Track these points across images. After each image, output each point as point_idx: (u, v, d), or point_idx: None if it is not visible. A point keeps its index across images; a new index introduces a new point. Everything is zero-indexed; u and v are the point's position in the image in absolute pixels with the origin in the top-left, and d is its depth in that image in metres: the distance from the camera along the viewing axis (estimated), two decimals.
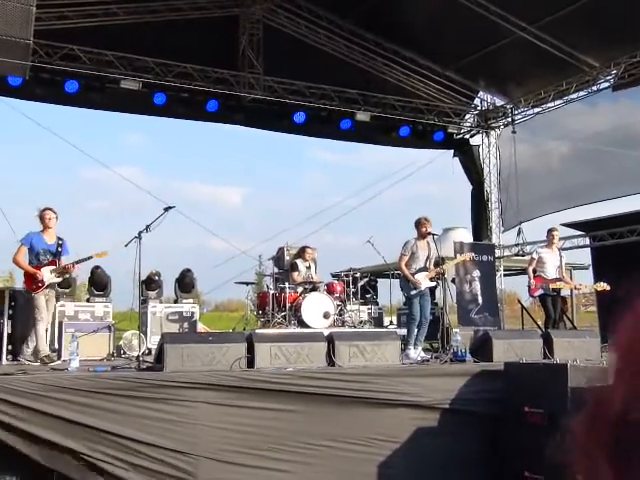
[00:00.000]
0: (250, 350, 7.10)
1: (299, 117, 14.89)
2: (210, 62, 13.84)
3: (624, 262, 13.21)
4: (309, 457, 6.74)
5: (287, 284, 11.55)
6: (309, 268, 12.11)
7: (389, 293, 14.03)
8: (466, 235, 18.49)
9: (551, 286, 10.85)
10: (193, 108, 14.42)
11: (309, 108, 14.89)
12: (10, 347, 8.73)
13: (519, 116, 15.98)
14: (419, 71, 15.62)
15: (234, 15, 14.34)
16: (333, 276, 14.32)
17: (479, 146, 17.00)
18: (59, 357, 9.64)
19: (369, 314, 13.65)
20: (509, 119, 16.17)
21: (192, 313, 12.47)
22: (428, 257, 9.52)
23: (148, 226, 8.00)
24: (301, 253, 12.26)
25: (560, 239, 14.70)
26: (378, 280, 15.13)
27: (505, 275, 16.95)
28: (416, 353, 9.18)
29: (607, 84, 13.94)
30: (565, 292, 11.46)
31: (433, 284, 9.91)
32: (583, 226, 14.76)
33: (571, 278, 18.80)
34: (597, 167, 14.43)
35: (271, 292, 11.66)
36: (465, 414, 7.33)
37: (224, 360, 6.90)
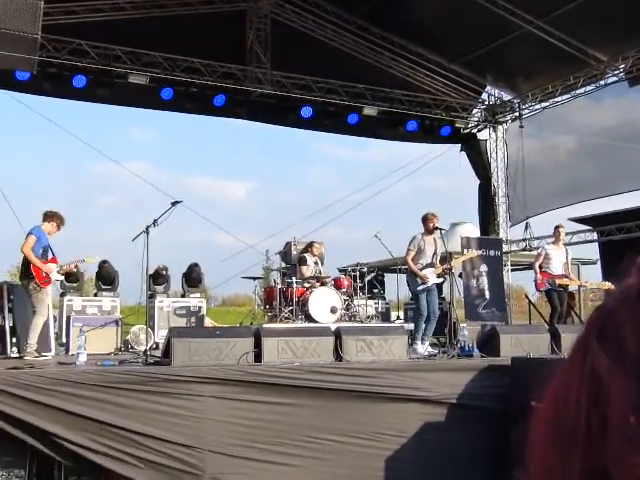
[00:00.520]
0: (257, 345, 7.11)
1: (306, 112, 14.87)
2: (218, 57, 13.83)
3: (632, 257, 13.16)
4: (316, 452, 6.75)
5: (294, 279, 11.56)
6: (317, 264, 12.12)
7: (396, 288, 14.04)
8: (473, 230, 18.45)
9: (557, 282, 10.87)
10: (200, 103, 14.42)
11: (316, 103, 14.86)
12: (14, 340, 8.74)
13: (526, 111, 15.94)
14: (426, 65, 15.58)
15: (242, 10, 14.31)
16: (340, 271, 14.34)
17: (486, 141, 16.95)
18: (67, 351, 9.67)
19: (376, 309, 13.65)
20: (516, 114, 16.12)
21: (199, 307, 12.49)
22: (435, 252, 9.51)
23: (155, 220, 8.02)
24: (309, 248, 12.27)
25: (568, 234, 14.69)
26: (385, 275, 15.13)
27: (512, 270, 16.91)
28: (423, 348, 9.18)
29: (615, 78, 13.88)
30: (573, 287, 11.45)
31: (440, 280, 9.90)
32: (591, 221, 14.72)
33: (579, 273, 18.81)
34: (605, 162, 14.37)
35: (278, 287, 11.67)
36: (472, 409, 7.33)
37: (231, 354, 6.91)
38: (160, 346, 9.68)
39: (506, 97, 16.49)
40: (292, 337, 7.35)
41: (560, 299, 10.89)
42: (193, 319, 12.33)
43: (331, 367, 7.08)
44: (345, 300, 11.64)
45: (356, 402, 6.95)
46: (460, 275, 13.61)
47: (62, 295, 11.76)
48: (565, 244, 11.70)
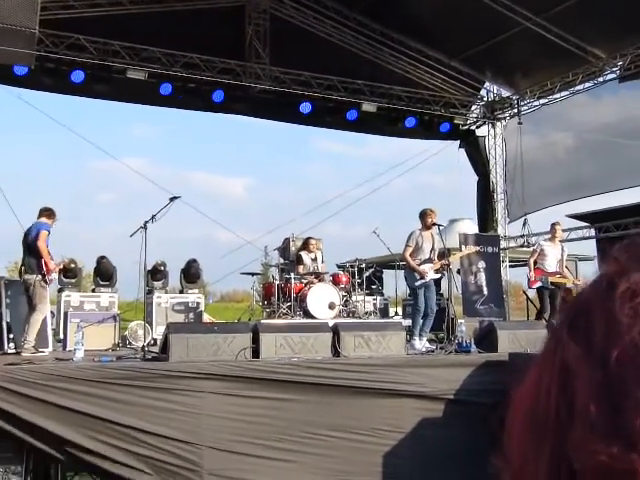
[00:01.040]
0: (255, 340, 7.12)
1: (305, 107, 14.86)
2: (216, 52, 13.81)
3: None
4: (314, 447, 6.76)
5: (292, 275, 11.56)
6: (315, 260, 12.11)
7: (394, 284, 14.05)
8: (472, 226, 18.45)
9: (550, 279, 10.93)
10: (199, 98, 14.41)
11: (315, 98, 14.85)
12: (12, 336, 8.71)
13: (525, 107, 15.93)
14: (425, 62, 15.57)
15: (240, 5, 14.28)
16: (339, 267, 14.34)
17: (485, 137, 16.95)
18: (64, 347, 9.67)
19: (374, 305, 13.66)
20: (515, 110, 16.10)
21: (197, 303, 12.49)
22: (433, 248, 9.51)
23: (154, 216, 8.01)
24: (305, 245, 12.27)
25: (565, 230, 14.73)
26: (384, 271, 15.13)
27: (511, 266, 16.93)
28: (421, 344, 9.18)
29: (613, 75, 13.88)
30: (570, 284, 11.48)
31: (438, 276, 9.90)
32: (588, 217, 14.73)
33: (576, 269, 18.82)
34: (603, 159, 14.37)
35: (276, 283, 11.68)
36: (469, 404, 7.34)
37: (229, 350, 6.92)
38: (158, 342, 9.68)
39: (505, 94, 16.47)
40: (290, 333, 7.35)
41: (552, 297, 10.94)
42: (191, 315, 12.33)
43: (329, 363, 7.08)
44: (343, 296, 11.65)
45: (354, 398, 6.96)
46: (458, 271, 13.62)
47: (60, 291, 11.76)
48: (562, 241, 11.75)
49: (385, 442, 7.04)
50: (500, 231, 16.51)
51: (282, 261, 13.01)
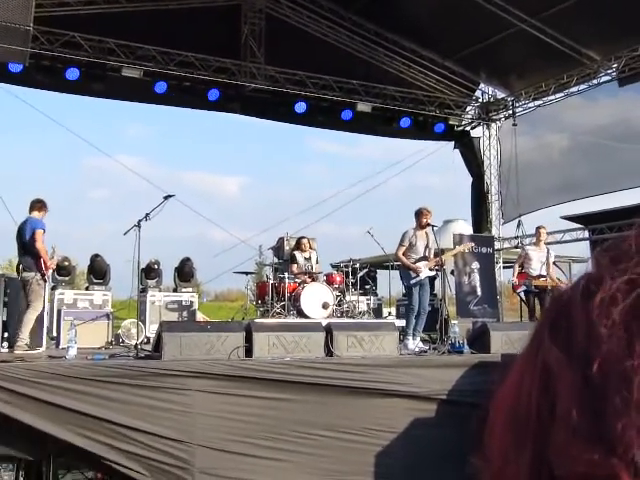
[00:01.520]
0: (248, 339, 7.12)
1: (300, 107, 14.87)
2: (212, 51, 13.80)
3: None
4: (306, 447, 6.76)
5: (286, 274, 11.55)
6: (308, 259, 12.11)
7: (388, 284, 14.06)
8: (466, 227, 18.49)
9: (534, 283, 11.08)
10: (194, 97, 14.41)
11: (310, 98, 14.86)
12: (6, 334, 8.68)
13: (520, 109, 15.96)
14: (420, 62, 15.59)
15: (236, 4, 14.28)
16: (333, 267, 14.33)
17: (480, 138, 16.98)
18: (57, 345, 9.64)
19: (368, 305, 13.66)
20: (510, 111, 16.14)
21: (191, 302, 12.48)
22: (427, 246, 9.52)
23: (147, 214, 8.00)
24: (298, 244, 12.26)
25: (559, 232, 14.81)
26: (377, 271, 15.14)
27: (505, 267, 16.95)
28: (414, 344, 9.18)
29: (608, 77, 13.92)
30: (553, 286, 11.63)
31: (432, 274, 9.91)
32: (582, 219, 14.77)
33: (570, 271, 18.87)
34: (597, 160, 14.42)
35: (270, 282, 11.67)
36: (462, 405, 7.34)
37: (222, 349, 6.91)
38: (151, 340, 9.67)
39: (500, 95, 16.51)
40: (283, 332, 7.35)
41: (540, 299, 11.07)
42: (185, 314, 12.32)
43: (322, 363, 7.09)
44: (337, 296, 11.65)
45: (346, 397, 6.96)
46: (452, 272, 13.64)
47: (53, 289, 11.72)
48: (555, 242, 11.88)
49: (378, 442, 7.04)
50: (494, 232, 16.55)
51: (276, 260, 13.00)
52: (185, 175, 68.44)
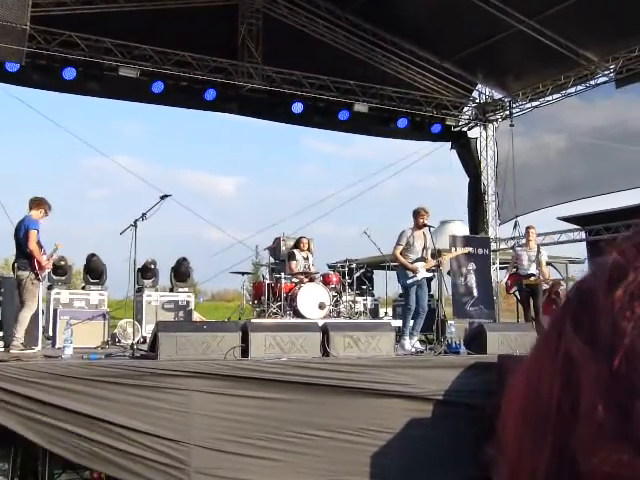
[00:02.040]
0: (245, 339, 7.11)
1: (297, 107, 14.86)
2: (209, 51, 13.78)
3: None
4: (302, 446, 6.76)
5: (283, 274, 11.55)
6: (307, 259, 12.11)
7: (385, 284, 14.05)
8: (462, 228, 18.49)
9: (524, 282, 11.25)
10: (191, 97, 14.39)
11: (307, 98, 14.86)
12: (0, 334, 8.66)
13: (517, 109, 15.97)
14: (418, 63, 15.59)
15: (233, 4, 14.26)
16: (329, 267, 14.33)
17: (477, 139, 16.99)
18: (53, 345, 9.63)
19: (364, 305, 13.65)
20: (507, 112, 16.14)
21: (187, 302, 12.47)
22: (425, 247, 9.52)
23: (144, 214, 7.99)
24: (298, 244, 12.26)
25: (556, 233, 14.83)
26: (374, 271, 15.13)
27: (501, 268, 16.95)
28: (410, 344, 9.18)
29: (605, 79, 13.94)
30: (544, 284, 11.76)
31: (430, 275, 9.91)
32: (579, 220, 14.78)
33: (567, 272, 18.90)
34: (594, 161, 14.43)
35: (267, 282, 11.66)
36: (458, 406, 7.35)
37: (218, 349, 6.91)
38: (147, 340, 9.66)
39: (497, 95, 16.52)
40: (279, 332, 7.34)
41: (533, 296, 11.27)
42: (181, 313, 12.31)
43: (318, 362, 7.08)
44: (334, 296, 11.64)
45: (342, 398, 6.96)
46: (449, 272, 13.65)
47: (49, 288, 11.70)
48: (544, 244, 12.03)
49: (374, 442, 7.04)
50: (491, 233, 16.56)
51: (272, 261, 12.99)
52: (181, 175, 68.35)
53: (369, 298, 14.11)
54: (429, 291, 11.61)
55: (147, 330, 11.32)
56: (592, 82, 14.11)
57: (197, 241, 51.79)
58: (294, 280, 11.62)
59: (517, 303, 13.53)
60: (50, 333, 10.23)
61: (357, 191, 18.11)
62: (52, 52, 12.55)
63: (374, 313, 13.79)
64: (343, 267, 12.44)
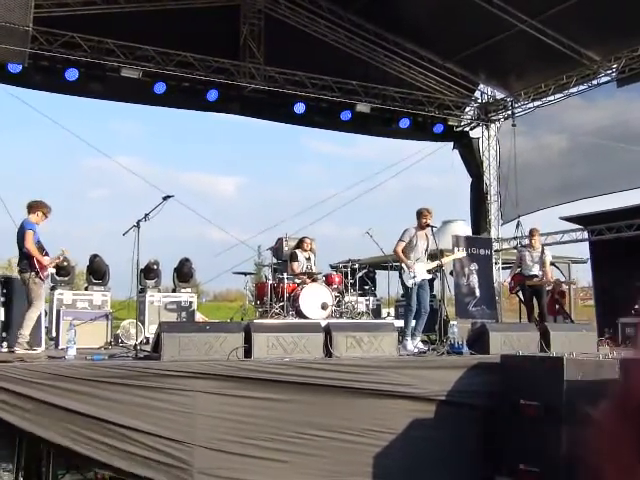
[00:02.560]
0: (247, 340, 7.10)
1: (299, 107, 14.88)
2: (211, 52, 13.80)
3: (622, 256, 13.25)
4: (305, 447, 6.76)
5: (285, 274, 11.55)
6: (309, 259, 12.11)
7: (387, 285, 14.05)
8: (465, 228, 18.49)
9: (527, 283, 11.32)
10: (193, 97, 14.42)
11: (309, 99, 14.87)
12: (5, 334, 8.67)
13: (519, 109, 15.97)
14: (420, 63, 15.60)
15: (235, 5, 14.29)
16: (332, 267, 14.33)
17: (479, 139, 17.00)
18: (56, 345, 9.64)
19: (367, 305, 13.66)
20: (509, 112, 16.16)
21: (190, 303, 12.48)
22: (427, 249, 9.51)
23: (147, 215, 7.99)
24: (300, 244, 12.26)
25: (558, 233, 14.83)
26: (376, 272, 15.14)
27: (504, 268, 16.96)
28: (413, 344, 9.18)
29: (608, 78, 13.93)
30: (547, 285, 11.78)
31: (430, 276, 9.89)
32: (581, 220, 14.78)
33: (569, 271, 18.88)
34: (596, 161, 14.43)
35: (269, 282, 11.67)
36: (461, 406, 7.35)
37: (221, 350, 6.90)
38: (150, 341, 9.66)
39: (499, 95, 16.53)
40: (282, 333, 7.34)
41: (537, 296, 11.29)
42: (184, 314, 12.32)
43: (321, 363, 7.08)
44: (336, 296, 11.65)
45: (345, 398, 6.96)
46: (451, 273, 13.65)
47: (52, 289, 11.72)
48: (546, 244, 12.06)
49: (376, 443, 7.04)
50: (493, 233, 16.56)
51: (275, 261, 13.00)
52: (182, 175, 68.22)
53: (371, 298, 14.13)
54: (432, 291, 11.60)
55: (150, 331, 11.33)
56: (594, 82, 14.11)
57: (199, 242, 51.81)
58: (296, 280, 11.63)
59: (520, 303, 13.54)
60: (53, 334, 10.23)
61: (359, 191, 18.09)
62: (54, 53, 12.57)
63: (376, 313, 13.79)
64: (345, 267, 12.45)
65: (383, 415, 7.08)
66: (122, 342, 10.68)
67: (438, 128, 16.44)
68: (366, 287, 14.14)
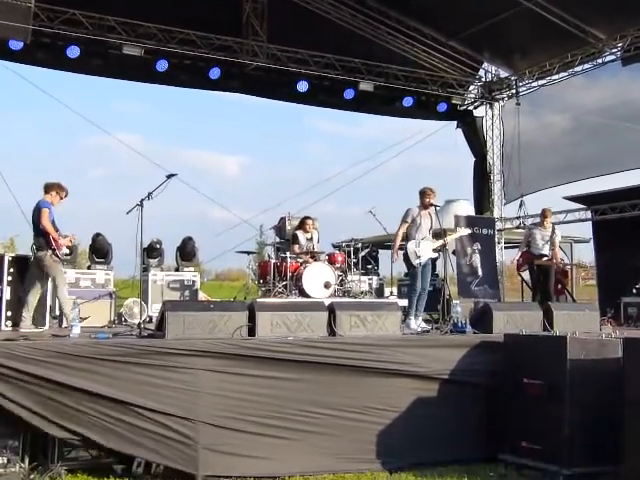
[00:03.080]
0: (251, 319, 7.11)
1: (302, 86, 14.81)
2: (213, 29, 13.71)
3: (625, 236, 13.24)
4: (308, 425, 6.79)
5: (288, 253, 11.55)
6: (310, 239, 12.10)
7: (390, 264, 14.05)
8: (468, 207, 18.46)
9: (535, 262, 11.37)
10: (195, 75, 14.36)
11: (312, 77, 14.80)
12: (10, 313, 8.71)
13: (523, 88, 15.90)
14: (423, 41, 15.50)
15: None
16: (334, 246, 14.34)
17: (483, 118, 16.94)
18: (60, 324, 9.67)
19: (370, 285, 13.68)
20: (513, 91, 16.08)
21: (193, 282, 12.51)
22: (431, 227, 9.52)
23: (150, 194, 7.96)
24: (301, 225, 12.24)
25: (562, 212, 14.80)
26: (379, 251, 15.15)
27: (506, 248, 16.97)
28: (416, 324, 9.21)
29: (613, 57, 13.83)
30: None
31: (435, 255, 9.90)
32: (585, 199, 14.75)
33: (572, 251, 18.87)
34: (600, 141, 14.38)
35: (272, 261, 11.67)
36: (464, 385, 7.36)
37: (225, 328, 6.92)
38: (153, 319, 9.69)
39: (503, 74, 16.44)
40: (286, 312, 7.34)
41: (544, 276, 11.34)
42: (187, 293, 12.35)
43: (324, 342, 7.09)
44: (339, 276, 11.66)
45: (349, 376, 6.98)
46: (454, 252, 13.65)
47: None
48: (557, 223, 12.01)
49: (379, 421, 7.06)
50: (496, 212, 16.55)
51: (278, 240, 12.99)
52: (184, 153, 67.90)
53: (374, 277, 14.14)
54: (434, 270, 11.60)
55: (153, 309, 11.36)
56: (599, 60, 14.02)
57: (200, 221, 51.69)
58: (299, 259, 11.63)
59: (522, 283, 13.55)
60: (57, 312, 10.25)
61: (362, 170, 18.03)
62: (56, 30, 12.49)
63: (379, 292, 13.81)
64: (348, 246, 12.44)
65: (387, 393, 7.10)
66: (125, 321, 10.72)
67: (442, 107, 16.38)
68: (369, 266, 14.15)
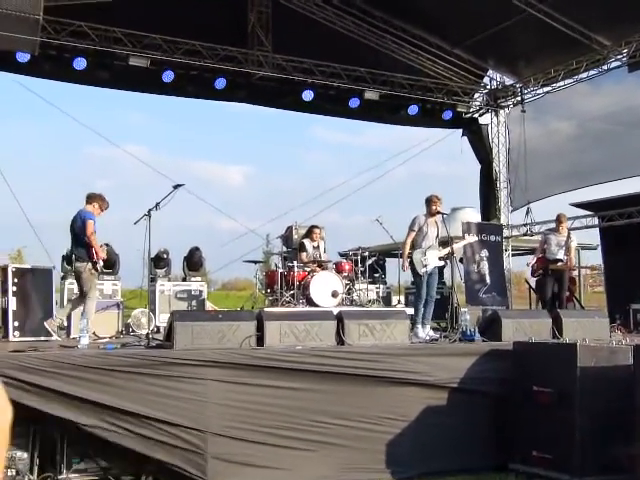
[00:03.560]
0: (260, 328, 7.10)
1: (307, 95, 14.84)
2: (219, 39, 13.76)
3: (633, 242, 13.21)
4: (318, 435, 6.76)
5: (295, 262, 11.55)
6: (317, 248, 12.10)
7: (397, 272, 14.04)
8: (474, 215, 18.44)
9: (550, 267, 11.29)
10: (201, 86, 14.40)
11: (318, 86, 14.82)
12: (17, 324, 8.71)
13: (529, 95, 15.89)
14: (428, 49, 15.52)
15: None
16: (341, 255, 14.32)
17: (488, 125, 16.93)
18: (68, 335, 9.67)
19: (377, 293, 13.66)
20: (518, 98, 16.07)
21: (200, 291, 12.51)
22: (437, 235, 9.50)
23: (158, 204, 7.98)
24: (309, 233, 12.24)
25: (569, 219, 14.76)
26: (386, 259, 15.13)
27: (513, 255, 16.93)
28: (425, 332, 9.18)
29: (618, 63, 13.82)
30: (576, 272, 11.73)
31: (442, 263, 9.89)
32: (592, 206, 14.71)
33: (579, 258, 18.84)
34: (606, 147, 14.35)
35: (279, 271, 11.66)
36: (474, 393, 7.33)
37: (234, 338, 6.91)
38: (161, 330, 9.69)
39: (508, 81, 16.44)
40: (294, 321, 7.33)
41: (558, 282, 11.27)
42: (194, 303, 12.35)
43: (333, 351, 7.07)
44: (346, 284, 11.64)
45: (358, 386, 6.96)
46: (461, 260, 13.62)
47: (63, 278, 11.74)
48: (568, 229, 11.97)
49: (390, 430, 7.03)
50: (503, 219, 16.52)
51: (285, 249, 13.00)
52: (188, 164, 68.09)
53: (381, 286, 14.12)
54: (441, 278, 11.58)
55: (160, 320, 11.36)
56: (604, 67, 14.00)
57: (207, 231, 51.86)
58: (307, 268, 11.62)
59: (529, 290, 13.51)
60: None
61: (368, 179, 18.05)
62: (62, 42, 12.55)
63: (387, 301, 13.79)
64: (355, 255, 12.43)
65: (396, 403, 7.07)
66: (133, 331, 10.72)
67: (447, 115, 16.39)
68: (376, 275, 14.14)
